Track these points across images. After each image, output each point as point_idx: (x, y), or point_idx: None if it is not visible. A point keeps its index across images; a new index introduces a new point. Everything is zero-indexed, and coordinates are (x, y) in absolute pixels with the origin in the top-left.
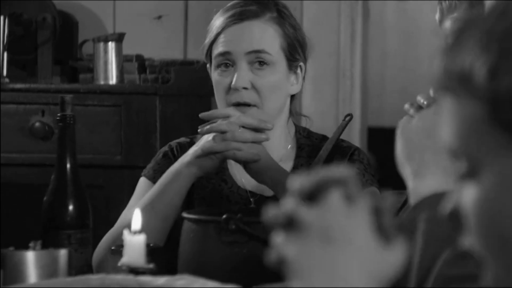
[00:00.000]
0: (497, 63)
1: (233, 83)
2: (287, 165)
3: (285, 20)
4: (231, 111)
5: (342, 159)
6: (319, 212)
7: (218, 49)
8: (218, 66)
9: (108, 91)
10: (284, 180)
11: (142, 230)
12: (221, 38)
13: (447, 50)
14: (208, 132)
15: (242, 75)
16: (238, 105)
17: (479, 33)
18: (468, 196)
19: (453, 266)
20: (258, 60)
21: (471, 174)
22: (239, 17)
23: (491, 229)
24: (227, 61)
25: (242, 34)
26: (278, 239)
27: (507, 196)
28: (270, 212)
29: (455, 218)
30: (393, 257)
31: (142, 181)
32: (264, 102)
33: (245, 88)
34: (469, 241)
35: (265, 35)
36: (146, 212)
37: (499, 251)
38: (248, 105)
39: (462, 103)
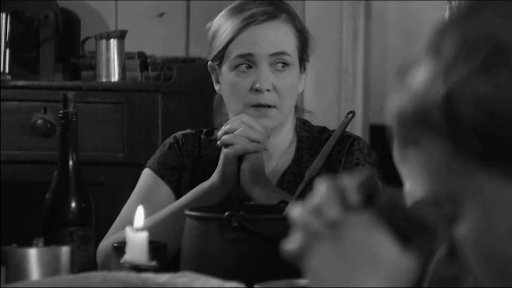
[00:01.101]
0: (448, 94)
1: (257, 84)
2: (288, 158)
3: (295, 20)
4: (241, 116)
5: (342, 149)
6: (334, 224)
7: (239, 50)
8: (236, 67)
9: (110, 88)
10: (270, 196)
11: (163, 237)
12: (241, 40)
13: (392, 97)
14: (224, 133)
15: (266, 77)
16: (258, 106)
17: (427, 67)
18: (460, 236)
19: (447, 266)
20: (280, 61)
21: (457, 215)
22: (259, 18)
23: (493, 262)
24: (248, 63)
25: (264, 36)
26: (297, 240)
27: (498, 224)
28: (295, 214)
29: (455, 257)
30: (409, 261)
31: (146, 173)
32: (283, 103)
33: (267, 90)
34: (475, 278)
35: (285, 36)
36: (169, 221)
37: (509, 281)
38: (268, 106)
39: (426, 148)
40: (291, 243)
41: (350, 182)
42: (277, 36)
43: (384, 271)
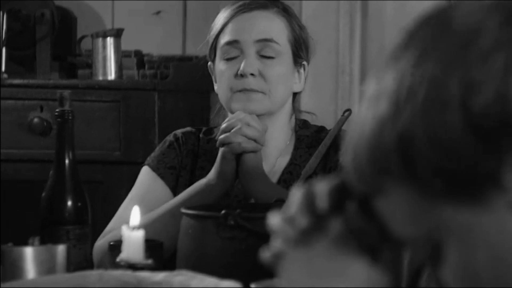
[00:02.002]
0: (399, 138)
1: (241, 68)
2: (287, 157)
3: (291, 16)
4: (238, 113)
5: (339, 146)
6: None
7: (225, 38)
8: (224, 55)
9: (107, 86)
10: (270, 194)
11: (159, 235)
12: (229, 28)
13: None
14: (223, 131)
15: (250, 62)
16: (244, 91)
17: (374, 117)
18: (446, 279)
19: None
20: (267, 49)
21: (436, 255)
22: (248, 7)
23: None
24: (235, 50)
25: (251, 23)
26: (275, 245)
27: (478, 254)
28: (273, 222)
29: None
30: (376, 273)
31: (145, 171)
32: (271, 90)
33: (252, 75)
34: None
35: (273, 25)
36: (166, 219)
37: None
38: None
39: (391, 198)
40: (268, 250)
41: (322, 188)
42: (266, 24)
43: (350, 284)
